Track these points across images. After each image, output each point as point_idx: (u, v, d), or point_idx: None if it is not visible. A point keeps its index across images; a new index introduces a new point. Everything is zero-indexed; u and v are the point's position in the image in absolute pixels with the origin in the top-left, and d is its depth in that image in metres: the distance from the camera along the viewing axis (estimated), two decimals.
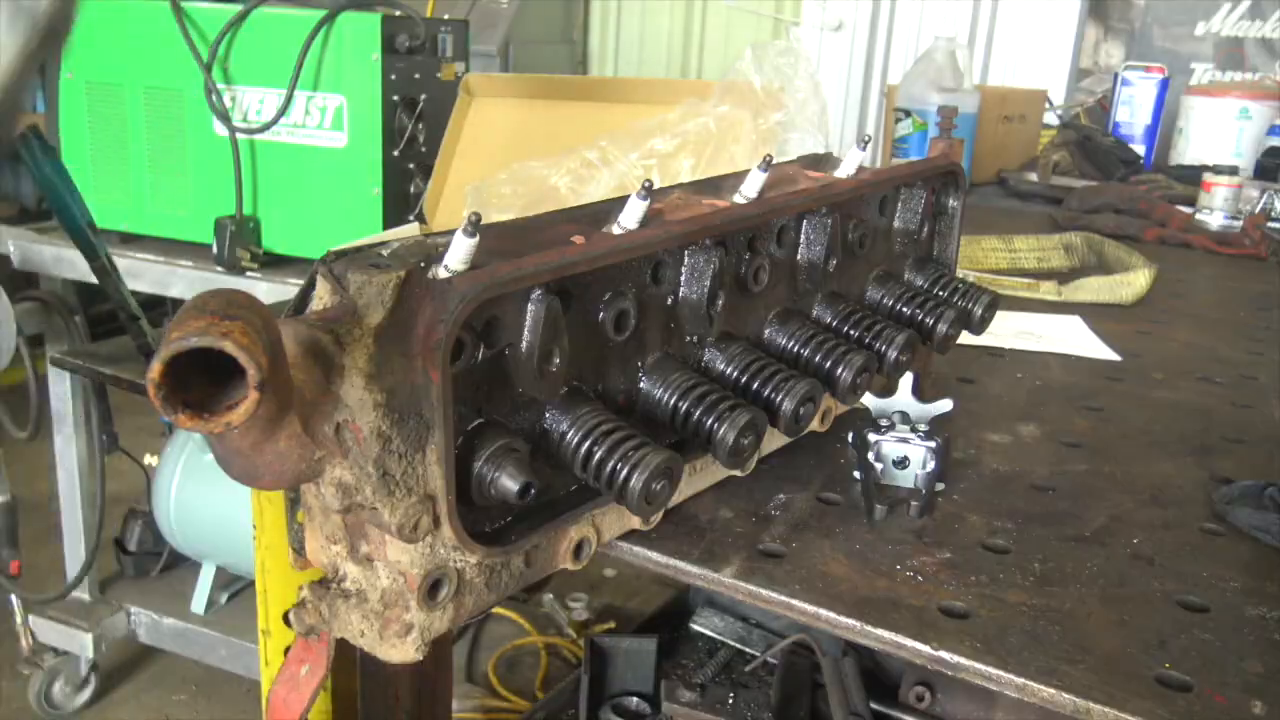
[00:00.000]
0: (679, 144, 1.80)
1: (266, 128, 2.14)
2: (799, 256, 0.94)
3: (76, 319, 2.29)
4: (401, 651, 0.69)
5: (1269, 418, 1.22)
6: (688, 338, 0.85)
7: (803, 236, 0.94)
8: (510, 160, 1.82)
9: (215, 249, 2.17)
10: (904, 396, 0.99)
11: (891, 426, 0.95)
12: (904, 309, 1.05)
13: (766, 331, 0.93)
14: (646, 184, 0.73)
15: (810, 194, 0.92)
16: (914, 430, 0.94)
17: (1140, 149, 3.19)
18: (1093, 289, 1.68)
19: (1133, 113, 3.27)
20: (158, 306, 2.37)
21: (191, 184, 2.28)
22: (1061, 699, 0.66)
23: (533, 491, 0.69)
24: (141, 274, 2.23)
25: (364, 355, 0.62)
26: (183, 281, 2.22)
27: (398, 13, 2.11)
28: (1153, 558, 0.84)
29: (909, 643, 0.71)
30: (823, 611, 0.74)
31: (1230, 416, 1.20)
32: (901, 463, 0.93)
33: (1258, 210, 2.33)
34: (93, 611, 2.41)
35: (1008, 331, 1.45)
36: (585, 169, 1.76)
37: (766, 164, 0.85)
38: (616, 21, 5.12)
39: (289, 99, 2.11)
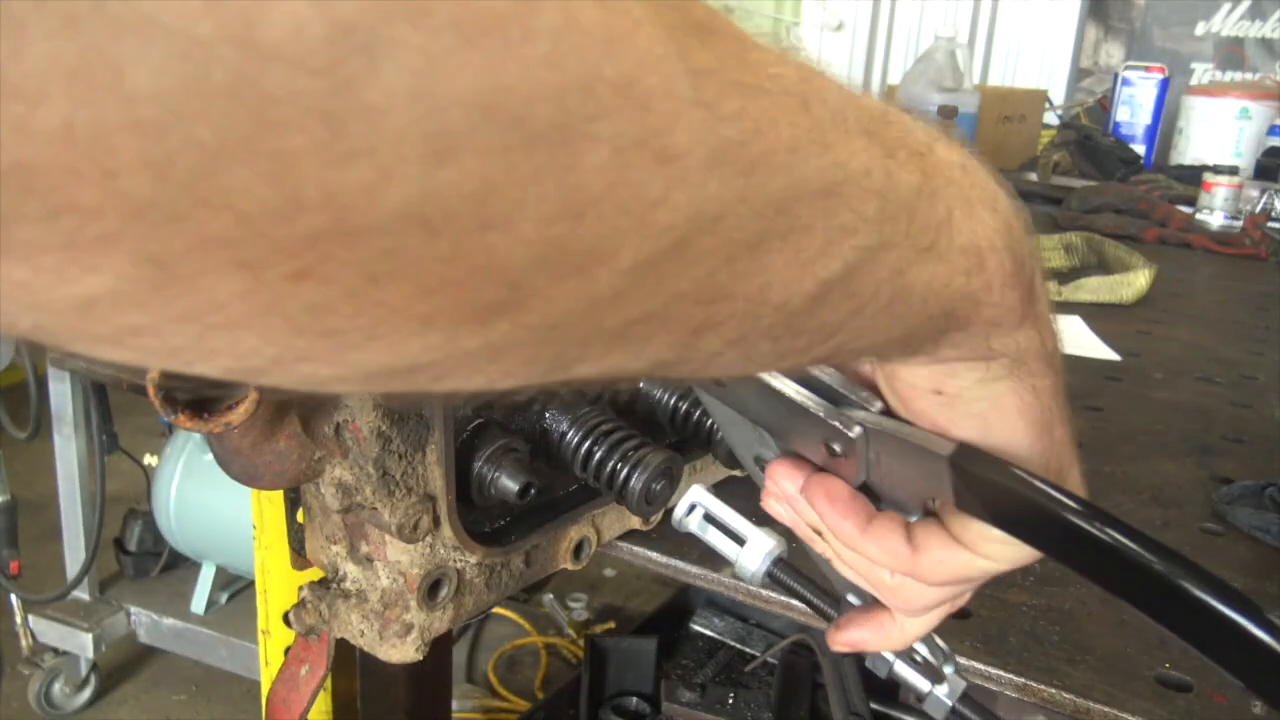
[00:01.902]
0: None
1: None
2: None
3: None
4: (401, 651, 0.69)
5: (1269, 418, 1.22)
6: None
7: None
8: None
9: None
10: None
11: None
12: None
13: None
14: None
15: None
16: None
17: (1140, 149, 3.19)
18: (1093, 289, 1.68)
19: (1133, 113, 3.27)
20: None
21: None
22: (1062, 699, 0.66)
23: (533, 491, 0.69)
24: None
25: None
26: None
27: None
28: None
29: None
30: None
31: (1230, 416, 1.20)
32: None
33: (1258, 210, 2.33)
34: (93, 611, 2.41)
35: None
36: None
37: None
38: None
39: None
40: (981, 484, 0.37)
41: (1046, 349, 0.39)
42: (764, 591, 0.76)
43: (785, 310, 0.29)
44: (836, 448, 0.40)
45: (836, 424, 0.39)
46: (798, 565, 0.64)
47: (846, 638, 0.50)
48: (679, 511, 0.68)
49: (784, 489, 0.44)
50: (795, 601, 0.75)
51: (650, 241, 0.24)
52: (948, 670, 0.56)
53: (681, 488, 0.72)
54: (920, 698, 0.56)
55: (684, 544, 0.81)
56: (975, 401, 0.38)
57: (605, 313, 0.25)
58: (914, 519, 0.44)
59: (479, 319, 0.23)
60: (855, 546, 0.44)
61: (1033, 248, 0.38)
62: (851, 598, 0.54)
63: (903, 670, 0.56)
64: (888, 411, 0.40)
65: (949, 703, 0.56)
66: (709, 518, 0.67)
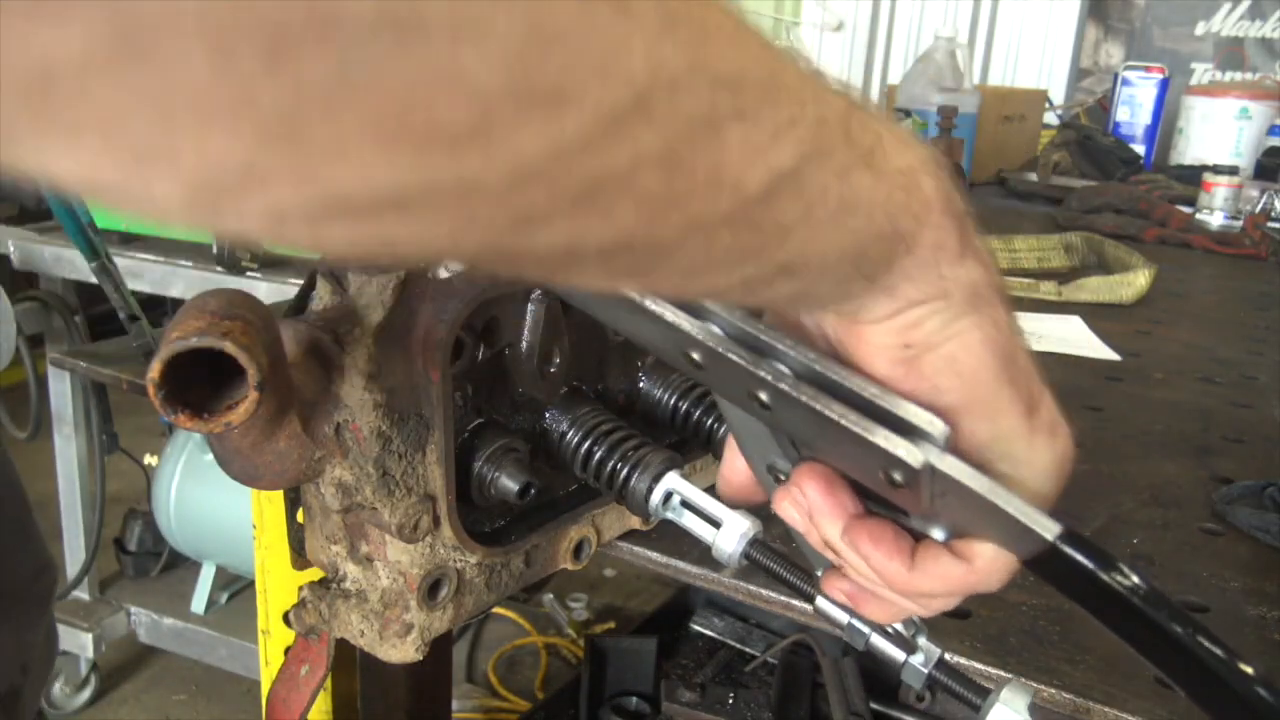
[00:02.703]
0: None
1: None
2: None
3: (76, 319, 2.29)
4: (401, 651, 0.69)
5: (1269, 418, 1.22)
6: None
7: None
8: None
9: (215, 249, 2.17)
10: None
11: None
12: None
13: None
14: None
15: None
16: None
17: (1140, 149, 3.19)
18: (1093, 289, 1.68)
19: (1133, 113, 3.27)
20: (158, 306, 2.37)
21: None
22: (1061, 699, 0.66)
23: (533, 491, 0.69)
24: (141, 274, 2.23)
25: (364, 355, 0.62)
26: (183, 281, 2.22)
27: None
28: (1153, 558, 0.84)
29: None
30: None
31: (1230, 416, 1.20)
32: None
33: (1258, 210, 2.33)
34: (93, 611, 2.41)
35: None
36: None
37: None
38: None
39: None
40: (1073, 568, 0.37)
41: (995, 281, 0.41)
42: (764, 591, 0.76)
43: (741, 195, 0.30)
44: (898, 477, 0.39)
45: (901, 454, 0.38)
46: (774, 546, 0.64)
47: (843, 587, 0.50)
48: (654, 499, 0.69)
49: (810, 499, 0.44)
50: (795, 601, 0.75)
51: (613, 91, 0.25)
52: (920, 640, 0.56)
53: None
54: (897, 668, 0.57)
55: (684, 544, 0.81)
56: (942, 345, 0.39)
57: (572, 162, 0.25)
58: (942, 535, 0.43)
59: (449, 145, 0.23)
60: (903, 585, 0.43)
61: (959, 187, 0.40)
62: (821, 573, 0.54)
63: (879, 643, 0.56)
64: (953, 446, 0.39)
65: (925, 670, 0.56)
66: (685, 503, 0.68)
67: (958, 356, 0.40)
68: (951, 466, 0.38)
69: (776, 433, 0.47)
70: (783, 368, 0.39)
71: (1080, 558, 0.37)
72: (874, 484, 0.41)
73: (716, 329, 0.40)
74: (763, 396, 0.40)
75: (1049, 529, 0.37)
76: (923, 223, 0.38)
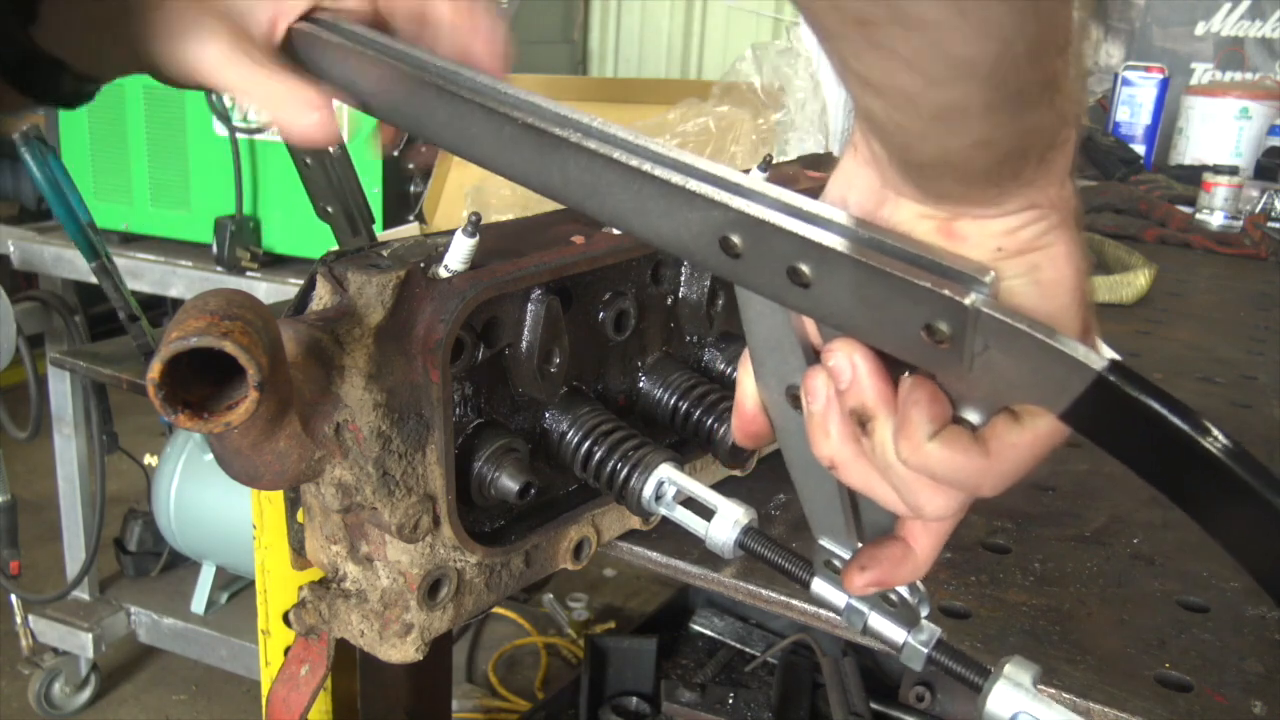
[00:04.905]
0: (679, 144, 1.80)
1: (267, 127, 2.14)
2: None
3: (76, 319, 2.29)
4: (401, 651, 0.69)
5: (1269, 418, 1.22)
6: (688, 338, 0.85)
7: None
8: None
9: (215, 249, 2.17)
10: None
11: None
12: None
13: None
14: None
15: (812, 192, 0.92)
16: None
17: (1140, 149, 3.19)
18: (1092, 289, 1.68)
19: (1133, 113, 3.27)
20: (158, 306, 2.37)
21: (191, 184, 2.28)
22: (1061, 699, 0.66)
23: (533, 491, 0.69)
24: (141, 274, 2.23)
25: (364, 355, 0.62)
26: (183, 281, 2.22)
27: None
28: (1153, 558, 0.84)
29: None
30: (822, 611, 0.74)
31: (1230, 416, 1.20)
32: None
33: (1258, 210, 2.33)
34: (93, 611, 2.40)
35: None
36: None
37: (766, 164, 0.85)
38: (616, 21, 5.11)
39: None
40: (1123, 406, 0.36)
41: (1080, 208, 0.42)
42: (764, 591, 0.76)
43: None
44: (943, 328, 0.37)
45: (949, 294, 0.37)
46: (769, 534, 0.64)
47: (868, 579, 0.49)
48: (647, 493, 0.68)
49: (855, 362, 0.43)
50: (795, 601, 0.75)
51: None
52: (924, 611, 0.54)
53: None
54: (896, 650, 0.54)
55: (684, 544, 0.81)
56: (1032, 253, 0.41)
57: None
58: (977, 422, 0.42)
59: None
60: (917, 456, 0.42)
61: None
62: (825, 542, 0.53)
63: (878, 624, 0.54)
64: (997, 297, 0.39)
65: (925, 651, 0.54)
66: (678, 494, 0.68)
67: (1041, 265, 0.41)
68: (999, 310, 0.37)
69: (803, 344, 0.46)
70: (828, 231, 0.40)
71: (1131, 390, 0.36)
72: (912, 355, 0.40)
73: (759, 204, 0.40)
74: (805, 269, 0.39)
75: (1097, 361, 0.36)
76: (1075, 126, 0.40)
